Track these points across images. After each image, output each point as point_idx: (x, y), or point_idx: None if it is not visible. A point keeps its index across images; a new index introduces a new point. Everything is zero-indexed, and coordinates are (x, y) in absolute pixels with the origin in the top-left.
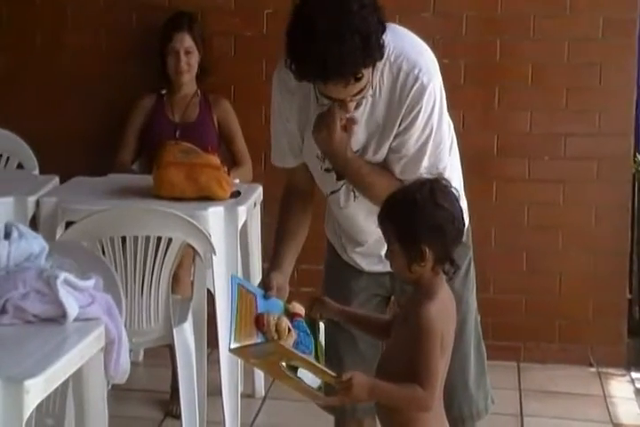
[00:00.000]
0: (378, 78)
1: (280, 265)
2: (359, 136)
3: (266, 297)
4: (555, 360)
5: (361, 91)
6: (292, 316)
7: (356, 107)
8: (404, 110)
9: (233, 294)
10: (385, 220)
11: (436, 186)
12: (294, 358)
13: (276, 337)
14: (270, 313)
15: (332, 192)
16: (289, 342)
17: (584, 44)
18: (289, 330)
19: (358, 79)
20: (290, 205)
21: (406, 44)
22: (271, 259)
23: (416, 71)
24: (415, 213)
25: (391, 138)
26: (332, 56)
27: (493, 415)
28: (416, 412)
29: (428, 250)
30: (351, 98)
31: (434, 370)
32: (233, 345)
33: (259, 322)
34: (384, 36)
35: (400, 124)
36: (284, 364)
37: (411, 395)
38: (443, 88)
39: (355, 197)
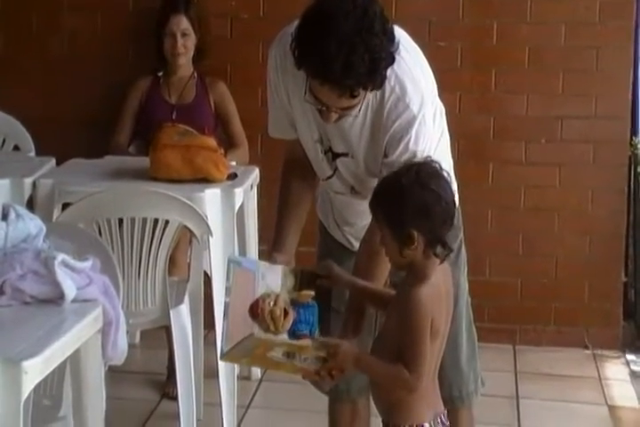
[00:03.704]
0: (371, 97)
1: (282, 244)
2: (345, 143)
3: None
4: (550, 343)
5: (350, 107)
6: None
7: (337, 120)
8: (389, 135)
9: (229, 283)
10: (374, 206)
11: (423, 169)
12: (276, 345)
13: (271, 326)
14: (267, 296)
15: (328, 177)
16: (286, 326)
17: (581, 28)
18: (285, 313)
19: (353, 96)
20: (291, 180)
21: (403, 66)
22: (273, 239)
23: (407, 99)
24: (402, 198)
25: (379, 158)
26: (339, 62)
27: (489, 398)
28: (402, 392)
29: (416, 234)
30: (336, 109)
31: (421, 353)
32: (223, 352)
33: (253, 311)
34: (389, 69)
35: (387, 147)
36: (274, 353)
37: (395, 374)
38: (439, 106)
39: (352, 189)
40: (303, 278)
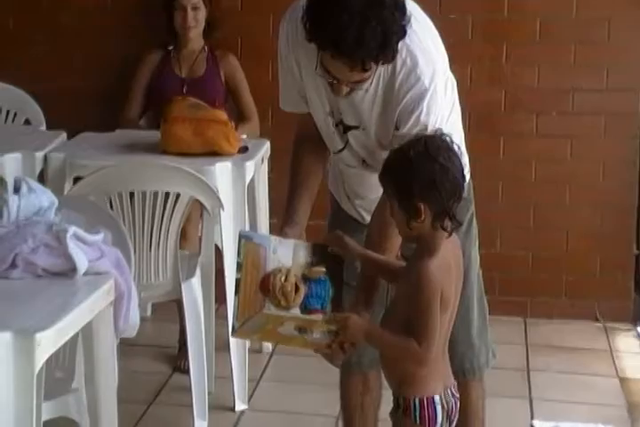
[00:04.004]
0: (382, 70)
1: (293, 218)
2: (357, 116)
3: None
4: (561, 315)
5: (361, 81)
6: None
7: (348, 93)
8: (400, 108)
9: (240, 259)
10: (383, 178)
11: (431, 141)
12: (287, 320)
13: (282, 301)
14: (278, 271)
15: (340, 150)
16: (297, 301)
17: None
18: (297, 288)
19: (365, 70)
20: (302, 154)
21: (415, 39)
22: (284, 212)
23: (418, 72)
24: (409, 170)
25: (390, 131)
26: (351, 35)
27: (500, 370)
28: (412, 365)
29: (423, 206)
30: (347, 83)
31: (430, 326)
32: (234, 329)
33: (264, 287)
34: (400, 43)
35: (398, 120)
36: (285, 328)
37: (405, 346)
38: (450, 78)
39: (363, 162)
40: (315, 252)
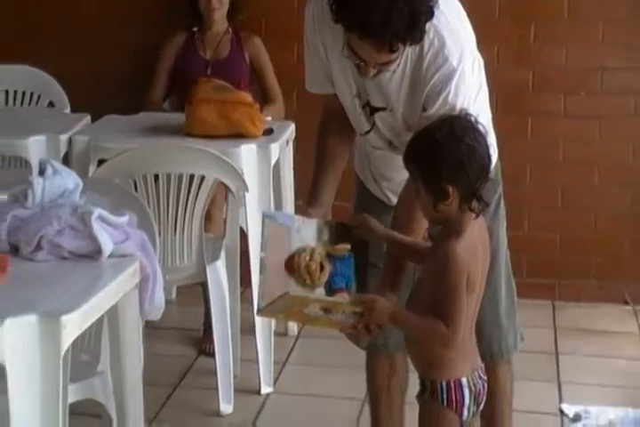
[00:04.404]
0: (409, 51)
1: (318, 199)
2: (384, 97)
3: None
4: (590, 298)
5: (388, 62)
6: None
7: (375, 75)
8: (428, 89)
9: (265, 239)
10: (408, 160)
11: (457, 122)
12: (312, 302)
13: (308, 280)
14: (303, 250)
15: (366, 132)
16: (322, 279)
17: None
18: (322, 267)
19: (392, 51)
20: (328, 135)
21: (442, 19)
22: (309, 194)
23: (446, 52)
24: (435, 151)
25: (417, 112)
26: (378, 16)
27: (528, 353)
28: (439, 347)
29: (451, 188)
30: (375, 64)
31: (457, 308)
32: (259, 308)
33: (289, 267)
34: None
35: (425, 101)
36: (310, 309)
37: (432, 328)
38: (477, 58)
39: (390, 143)
40: (339, 231)
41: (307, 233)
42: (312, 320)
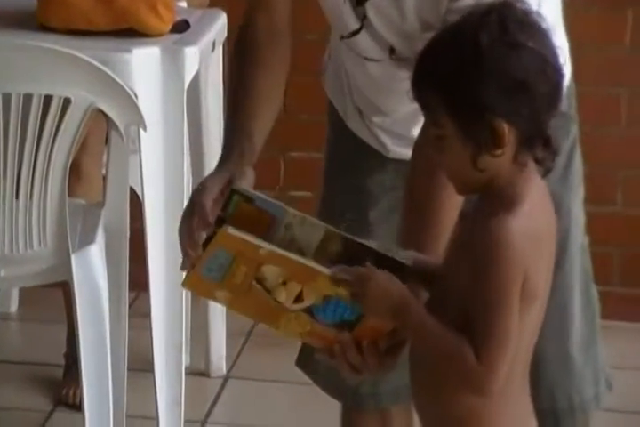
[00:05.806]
0: None
1: (251, 156)
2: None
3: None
4: None
5: None
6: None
7: None
8: None
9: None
10: (425, 83)
11: (509, 14)
12: (267, 259)
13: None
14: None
15: (353, 33)
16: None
17: None
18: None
19: None
20: (257, 59)
21: None
22: (229, 146)
23: None
24: (479, 65)
25: None
26: None
27: (622, 414)
28: (467, 392)
29: (506, 126)
30: None
31: (502, 327)
32: (187, 276)
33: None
34: None
35: None
36: (266, 275)
37: (454, 352)
38: None
39: (392, 51)
40: (348, 249)
41: (304, 237)
42: (266, 314)
